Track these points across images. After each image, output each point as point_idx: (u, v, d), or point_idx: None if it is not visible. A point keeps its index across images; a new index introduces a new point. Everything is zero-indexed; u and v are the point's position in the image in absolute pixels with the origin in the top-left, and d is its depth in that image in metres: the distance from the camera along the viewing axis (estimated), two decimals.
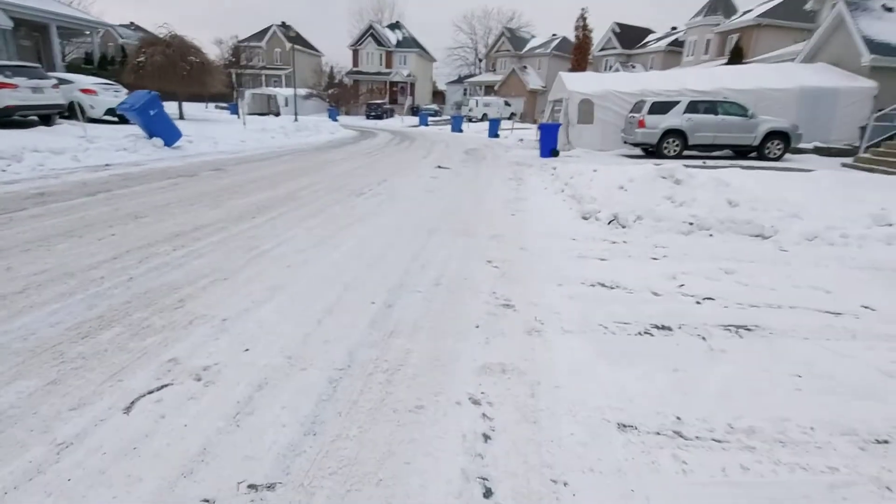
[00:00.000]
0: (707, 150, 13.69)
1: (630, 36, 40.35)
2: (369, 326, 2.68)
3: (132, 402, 1.89)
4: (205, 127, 16.55)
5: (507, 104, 41.25)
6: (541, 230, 5.18)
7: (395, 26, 52.00)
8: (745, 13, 29.28)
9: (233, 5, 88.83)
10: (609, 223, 5.30)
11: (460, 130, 27.77)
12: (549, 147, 13.69)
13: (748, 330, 2.95)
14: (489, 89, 46.47)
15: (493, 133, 23.72)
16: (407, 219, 5.34)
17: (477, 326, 2.76)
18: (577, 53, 29.23)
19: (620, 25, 40.72)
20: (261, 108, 44.98)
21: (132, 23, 56.19)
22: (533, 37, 49.54)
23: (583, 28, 28.39)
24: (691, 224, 5.24)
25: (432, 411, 1.98)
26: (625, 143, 14.44)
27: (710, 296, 3.47)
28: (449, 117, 37.87)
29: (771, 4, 27.68)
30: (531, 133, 26.54)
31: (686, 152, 13.35)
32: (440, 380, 2.21)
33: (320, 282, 3.30)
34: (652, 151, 14.39)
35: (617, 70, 35.13)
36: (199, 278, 3.18)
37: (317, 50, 55.98)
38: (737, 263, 4.31)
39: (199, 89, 19.00)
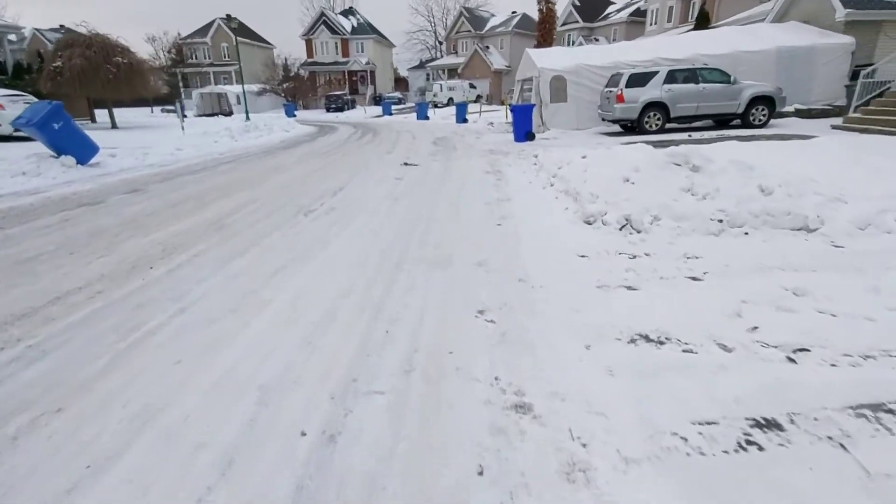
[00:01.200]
0: (688, 122, 12.84)
1: (590, 8, 39.34)
2: None
3: None
4: (138, 135, 14.77)
5: (472, 87, 39.86)
6: (538, 245, 4.07)
7: (348, 13, 49.64)
8: None
9: (173, 1, 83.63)
10: (621, 228, 4.23)
11: (426, 118, 26.39)
12: (523, 130, 12.57)
13: (891, 413, 1.92)
14: (452, 72, 44.92)
15: (462, 118, 22.45)
16: (366, 244, 4.15)
17: (480, 473, 1.62)
18: (542, 28, 27.88)
19: None
20: (212, 108, 42.33)
21: (62, 26, 51.82)
22: (492, 15, 48.01)
23: (546, 1, 27.02)
24: (721, 221, 4.22)
25: None
26: (603, 120, 13.45)
27: (801, 344, 2.43)
28: (413, 104, 36.30)
29: None
30: (501, 115, 25.36)
31: (668, 125, 12.46)
32: None
33: (225, 389, 2.10)
34: (631, 127, 13.44)
35: (581, 44, 34.13)
36: (13, 413, 1.93)
37: (267, 42, 53.06)
38: (797, 275, 3.31)
39: (130, 93, 17.05)
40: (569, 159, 7.01)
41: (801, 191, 4.61)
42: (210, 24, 48.33)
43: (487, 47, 42.80)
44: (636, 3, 35.95)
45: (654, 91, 12.10)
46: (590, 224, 4.50)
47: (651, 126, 12.35)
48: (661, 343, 2.49)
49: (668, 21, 29.33)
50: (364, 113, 35.02)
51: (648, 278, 3.34)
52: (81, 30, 16.77)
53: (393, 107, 36.03)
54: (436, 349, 2.41)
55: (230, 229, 4.63)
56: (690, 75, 12.21)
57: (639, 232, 4.21)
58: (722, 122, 13.11)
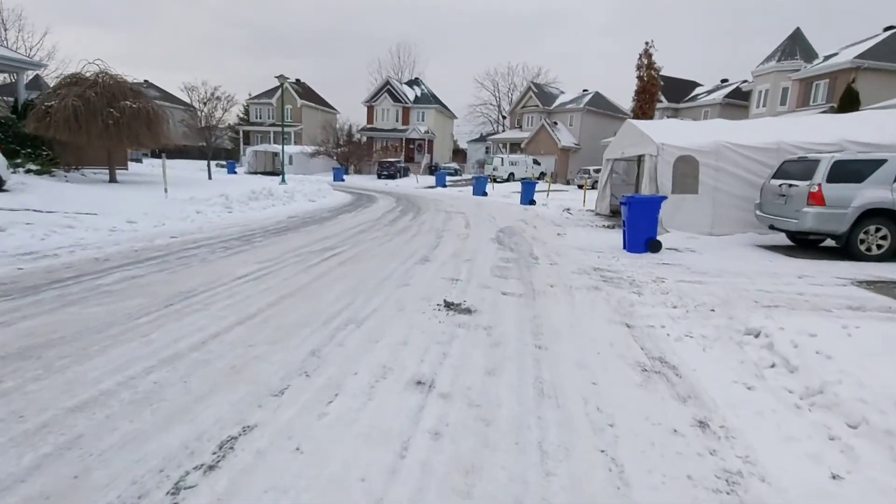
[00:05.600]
0: None
1: (676, 89, 35.69)
2: None
3: None
4: (118, 194, 11.46)
5: (536, 163, 36.46)
6: None
7: (413, 83, 49.17)
8: (827, 57, 24.13)
9: (263, 72, 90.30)
10: None
11: (484, 194, 22.51)
12: (644, 236, 7.88)
13: None
14: (515, 147, 42.06)
15: (528, 199, 18.24)
16: None
17: None
18: (641, 99, 23.51)
19: (664, 78, 36.13)
20: (264, 167, 41.27)
21: (146, 80, 54.99)
22: (562, 92, 45.65)
23: (647, 66, 22.94)
24: None
25: None
26: (772, 227, 8.53)
27: None
28: (470, 177, 33.05)
29: (869, 44, 22.49)
30: (572, 196, 21.03)
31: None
32: None
33: None
34: (810, 241, 8.49)
35: None
36: None
37: (332, 107, 53.45)
38: None
39: (132, 142, 14.18)
40: None
41: None
42: (278, 87, 49.14)
43: (555, 123, 39.80)
44: (733, 83, 31.92)
45: (880, 192, 7.17)
46: None
47: (871, 248, 7.29)
48: None
49: (782, 104, 24.75)
50: (416, 182, 31.99)
51: None
52: (93, 68, 14.34)
53: (448, 178, 32.90)
54: None
55: None
56: None
57: None
58: None
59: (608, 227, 11.72)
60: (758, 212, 8.88)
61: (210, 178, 20.21)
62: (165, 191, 11.06)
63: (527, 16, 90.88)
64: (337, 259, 6.35)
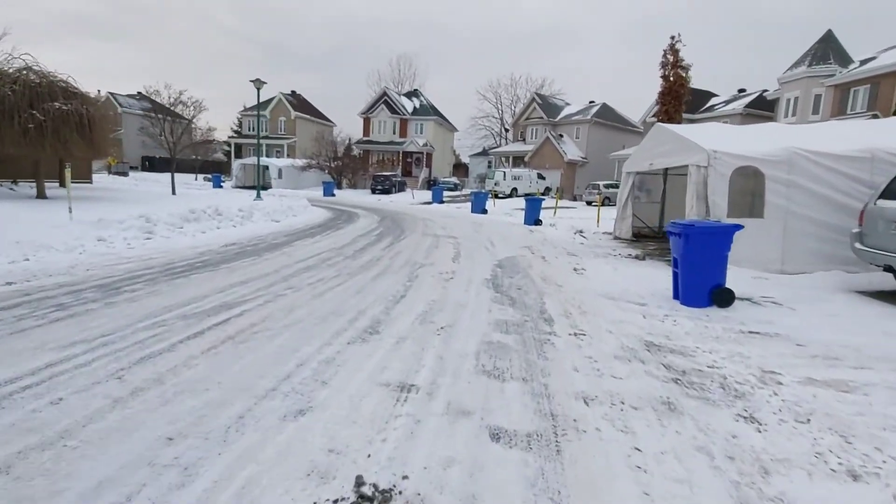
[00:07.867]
0: None
1: (691, 98, 33.40)
2: None
3: None
4: (9, 213, 9.05)
5: (540, 177, 34.13)
6: None
7: (412, 94, 47.29)
8: (864, 62, 21.78)
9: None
10: None
11: (483, 211, 20.10)
12: (708, 282, 5.35)
13: None
14: (518, 161, 39.85)
15: (533, 219, 15.74)
16: None
17: None
18: (667, 100, 20.76)
19: None
20: (253, 180, 39.11)
21: (139, 92, 53.24)
22: (567, 104, 43.58)
23: (673, 65, 20.16)
24: None
25: None
26: (887, 269, 5.97)
27: None
28: (469, 192, 30.74)
29: None
30: (583, 216, 18.51)
31: None
32: None
33: None
34: None
35: None
36: None
37: (328, 120, 51.54)
38: None
39: (57, 150, 11.79)
40: None
41: None
42: (272, 99, 47.33)
43: (561, 136, 37.58)
44: (751, 93, 29.61)
45: None
46: None
47: None
48: None
49: (815, 112, 22.34)
50: (412, 198, 29.65)
51: None
52: (18, 63, 12.08)
53: (447, 193, 30.61)
54: None
55: None
56: None
57: None
58: None
59: (636, 257, 9.21)
60: (857, 244, 6.35)
61: (174, 193, 17.89)
62: (70, 210, 8.64)
63: (533, 31, 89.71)
64: (220, 333, 3.83)
